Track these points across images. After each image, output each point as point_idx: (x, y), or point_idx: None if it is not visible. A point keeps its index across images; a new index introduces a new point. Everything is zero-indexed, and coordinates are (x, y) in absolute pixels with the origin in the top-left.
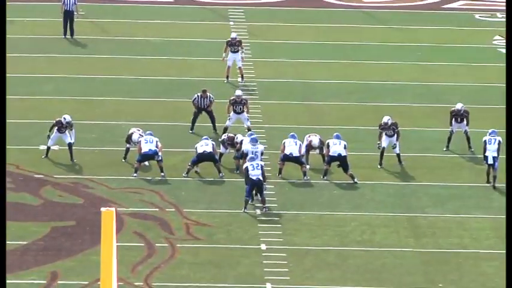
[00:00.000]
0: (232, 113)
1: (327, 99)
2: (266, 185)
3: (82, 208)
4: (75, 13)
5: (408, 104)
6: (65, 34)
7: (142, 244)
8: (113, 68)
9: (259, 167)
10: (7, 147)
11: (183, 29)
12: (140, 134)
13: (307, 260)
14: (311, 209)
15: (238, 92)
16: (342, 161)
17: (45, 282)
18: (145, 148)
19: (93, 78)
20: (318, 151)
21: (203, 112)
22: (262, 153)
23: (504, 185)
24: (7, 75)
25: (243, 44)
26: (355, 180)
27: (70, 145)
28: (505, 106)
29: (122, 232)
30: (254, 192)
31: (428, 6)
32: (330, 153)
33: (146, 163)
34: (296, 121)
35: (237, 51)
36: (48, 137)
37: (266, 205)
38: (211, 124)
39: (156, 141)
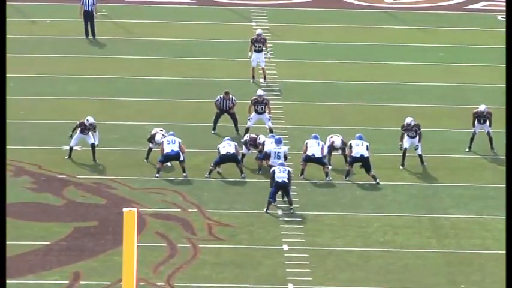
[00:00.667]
0: (253, 113)
1: (349, 100)
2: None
3: (104, 208)
4: (94, 13)
5: (430, 105)
6: (86, 35)
7: (165, 244)
8: (135, 69)
9: (286, 171)
10: (29, 147)
11: (205, 30)
12: (163, 135)
13: (329, 260)
14: (333, 210)
15: (260, 92)
16: (364, 161)
17: (67, 282)
18: (167, 149)
19: (116, 79)
20: (340, 152)
21: (225, 113)
22: (286, 157)
23: None
24: (30, 75)
25: (267, 43)
26: (377, 181)
27: (93, 146)
28: None
29: (144, 232)
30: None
31: (450, 7)
32: (352, 154)
33: (168, 164)
34: (318, 122)
35: (261, 51)
36: (71, 137)
37: (292, 206)
38: (233, 125)
39: (179, 142)
